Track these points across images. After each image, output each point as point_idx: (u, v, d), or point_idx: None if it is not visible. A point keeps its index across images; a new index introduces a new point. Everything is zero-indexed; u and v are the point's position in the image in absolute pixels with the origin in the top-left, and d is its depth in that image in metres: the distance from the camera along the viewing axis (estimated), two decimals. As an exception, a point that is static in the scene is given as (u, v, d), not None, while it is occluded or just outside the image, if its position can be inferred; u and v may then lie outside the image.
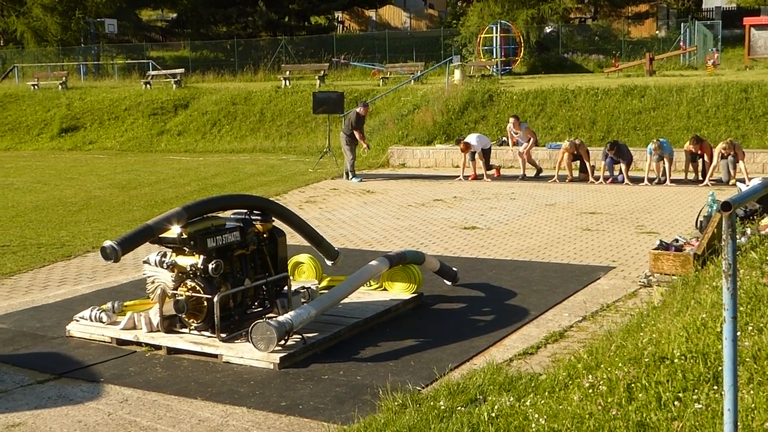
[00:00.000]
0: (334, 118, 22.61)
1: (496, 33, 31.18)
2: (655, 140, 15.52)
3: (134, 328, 6.67)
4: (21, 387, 5.76)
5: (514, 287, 8.16)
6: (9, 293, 8.64)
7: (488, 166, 17.12)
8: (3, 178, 19.70)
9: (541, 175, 16.98)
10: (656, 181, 15.39)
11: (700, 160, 15.58)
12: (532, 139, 17.43)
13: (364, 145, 17.79)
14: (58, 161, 23.92)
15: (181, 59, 42.24)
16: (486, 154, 17.09)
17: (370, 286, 7.87)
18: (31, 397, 5.56)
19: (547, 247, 10.12)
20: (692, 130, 18.65)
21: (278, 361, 5.93)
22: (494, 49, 31.35)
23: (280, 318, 6.22)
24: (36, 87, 33.71)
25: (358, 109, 17.68)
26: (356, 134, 17.22)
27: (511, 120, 17.71)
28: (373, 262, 7.46)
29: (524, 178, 16.75)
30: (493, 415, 4.39)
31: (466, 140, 17.05)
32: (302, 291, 7.16)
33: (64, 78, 34.14)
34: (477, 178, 16.97)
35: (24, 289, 8.79)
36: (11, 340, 6.86)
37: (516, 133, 17.54)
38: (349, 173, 17.29)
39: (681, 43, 33.48)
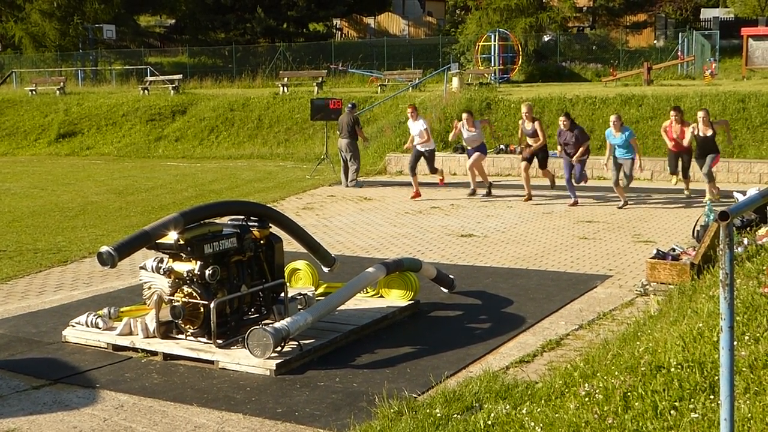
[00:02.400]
0: (331, 125, 22.61)
1: (495, 41, 31.24)
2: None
3: (130, 333, 6.66)
4: (16, 392, 5.75)
5: (511, 295, 8.16)
6: (5, 298, 8.62)
7: (432, 169, 15.98)
8: (0, 183, 19.68)
9: (492, 192, 15.38)
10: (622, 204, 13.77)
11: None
12: (479, 153, 15.15)
13: (366, 142, 18.82)
14: (56, 167, 23.90)
15: (179, 65, 42.26)
16: (430, 156, 15.58)
17: (367, 293, 7.87)
18: (27, 402, 5.54)
19: (544, 256, 10.13)
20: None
21: (274, 368, 5.93)
22: (492, 58, 31.40)
23: (277, 324, 6.21)
24: (34, 92, 33.71)
25: (352, 112, 17.82)
26: (360, 133, 17.76)
27: (464, 116, 15.27)
28: (370, 269, 7.46)
29: (473, 194, 15.21)
30: (489, 422, 4.39)
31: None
32: (299, 298, 7.16)
33: (62, 83, 34.15)
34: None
35: (20, 295, 8.78)
36: (7, 345, 6.85)
37: (470, 131, 15.05)
38: (353, 180, 17.36)
39: (679, 53, 33.55)
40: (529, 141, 14.86)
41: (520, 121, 15.27)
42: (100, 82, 39.25)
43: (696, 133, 13.54)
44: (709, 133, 13.52)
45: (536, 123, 14.74)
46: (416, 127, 15.45)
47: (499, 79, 29.96)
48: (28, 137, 30.27)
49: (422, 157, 15.58)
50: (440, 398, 5.05)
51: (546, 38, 37.21)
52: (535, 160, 14.88)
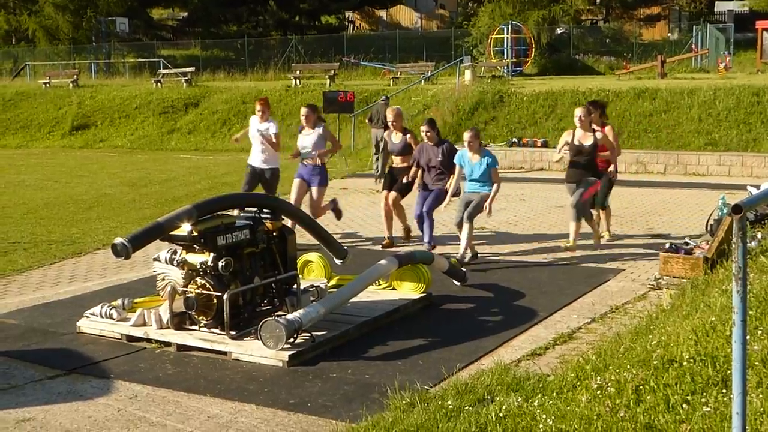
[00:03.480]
0: (344, 118, 22.64)
1: (507, 34, 31.17)
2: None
3: (144, 324, 6.70)
4: (32, 382, 5.80)
5: (523, 288, 8.16)
6: (20, 289, 8.68)
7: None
8: (15, 175, 19.79)
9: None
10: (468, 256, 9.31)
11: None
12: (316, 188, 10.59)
13: None
14: (69, 159, 24.01)
15: (191, 58, 42.33)
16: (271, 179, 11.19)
17: (379, 285, 7.89)
18: (42, 392, 5.59)
19: (557, 249, 10.11)
20: (703, 133, 18.62)
21: (287, 359, 5.95)
22: (505, 50, 31.34)
23: (289, 316, 6.24)
24: (47, 85, 33.84)
25: (386, 104, 18.15)
26: None
27: (303, 111, 11.00)
28: (382, 262, 7.48)
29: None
30: (501, 415, 4.40)
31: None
32: (311, 290, 7.18)
33: (75, 76, 34.26)
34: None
35: (35, 286, 8.84)
36: (22, 336, 6.90)
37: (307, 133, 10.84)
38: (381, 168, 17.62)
39: (693, 46, 33.39)
40: (396, 161, 10.58)
41: (386, 133, 11.02)
42: (113, 74, 39.37)
43: (571, 141, 9.54)
44: (588, 141, 9.48)
45: (408, 136, 10.45)
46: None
47: (511, 71, 29.90)
48: (42, 130, 30.41)
49: (262, 182, 11.15)
50: (452, 390, 5.06)
51: (559, 31, 37.09)
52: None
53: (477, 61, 31.19)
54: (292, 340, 6.12)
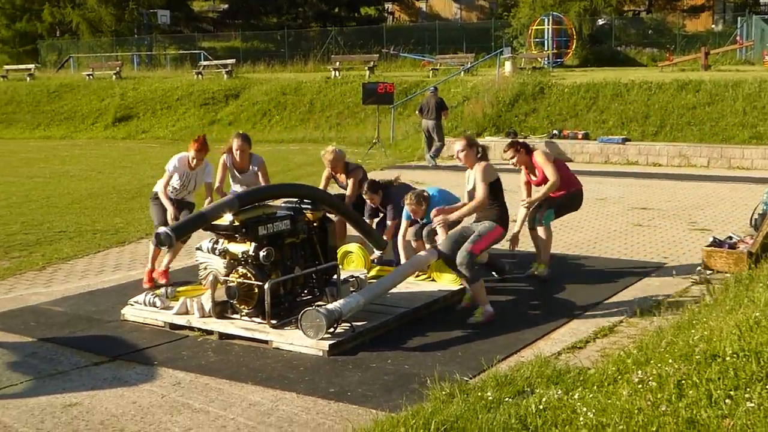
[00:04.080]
0: (383, 109, 22.66)
1: (548, 25, 30.90)
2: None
3: (187, 313, 6.79)
4: (77, 368, 5.91)
5: (563, 281, 8.12)
6: (66, 278, 8.85)
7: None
8: (59, 165, 20.13)
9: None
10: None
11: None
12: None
13: (445, 118, 19.70)
14: (112, 150, 24.35)
15: (232, 50, 42.63)
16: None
17: (419, 276, 7.91)
18: (88, 378, 5.70)
19: (597, 242, 10.05)
20: (748, 126, 18.33)
21: (327, 349, 6.00)
22: (546, 41, 31.08)
23: (330, 306, 6.28)
24: (91, 77, 34.34)
25: (435, 95, 18.95)
26: (445, 114, 18.96)
27: (236, 143, 8.75)
28: (422, 253, 7.49)
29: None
30: (541, 407, 4.40)
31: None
32: (351, 280, 7.22)
33: (118, 68, 34.72)
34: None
35: (80, 274, 9.00)
36: (68, 323, 7.04)
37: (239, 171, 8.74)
38: (435, 156, 18.51)
39: (737, 38, 32.80)
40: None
41: (325, 172, 9.02)
42: (154, 66, 39.84)
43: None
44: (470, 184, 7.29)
45: (350, 179, 8.79)
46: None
47: (552, 63, 29.65)
48: (86, 121, 30.87)
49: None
50: (491, 382, 5.07)
51: (601, 22, 36.69)
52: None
53: (517, 52, 30.98)
54: (332, 329, 6.16)
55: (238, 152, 8.53)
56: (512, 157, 8.10)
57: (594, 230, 10.78)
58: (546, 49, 30.83)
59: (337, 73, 29.49)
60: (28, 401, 5.26)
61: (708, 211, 12.03)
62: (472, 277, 6.81)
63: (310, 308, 6.19)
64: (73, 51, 43.06)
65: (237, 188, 8.17)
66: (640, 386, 4.45)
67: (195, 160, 8.24)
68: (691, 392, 4.26)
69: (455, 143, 7.39)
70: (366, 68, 29.82)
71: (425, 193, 7.98)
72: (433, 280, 7.84)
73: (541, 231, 8.21)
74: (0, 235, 10.94)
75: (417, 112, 19.21)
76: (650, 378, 4.50)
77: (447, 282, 7.73)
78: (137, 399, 5.27)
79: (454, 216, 7.23)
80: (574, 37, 31.54)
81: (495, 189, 7.12)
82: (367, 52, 35.26)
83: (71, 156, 22.63)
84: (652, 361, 4.84)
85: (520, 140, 8.49)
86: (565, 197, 8.24)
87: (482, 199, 7.02)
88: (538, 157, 8.07)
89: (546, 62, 29.36)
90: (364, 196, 8.54)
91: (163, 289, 7.22)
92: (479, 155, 7.21)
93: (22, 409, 5.12)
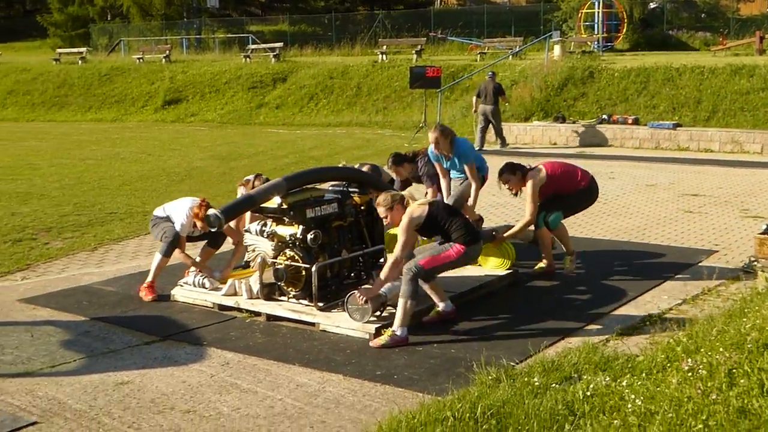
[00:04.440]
0: (430, 93, 22.58)
1: (598, 8, 30.43)
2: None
3: (235, 294, 6.87)
4: (129, 347, 6.02)
5: (612, 267, 8.05)
6: (117, 258, 9.00)
7: None
8: (110, 148, 20.45)
9: None
10: None
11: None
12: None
13: (507, 104, 20.15)
14: (162, 133, 24.65)
15: (279, 33, 42.79)
16: None
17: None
18: (139, 357, 5.81)
19: (647, 228, 9.92)
20: (804, 111, 17.91)
21: (374, 332, 6.02)
22: (596, 25, 30.63)
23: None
24: (141, 60, 34.73)
25: (494, 80, 19.13)
26: (504, 98, 19.22)
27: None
28: None
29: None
30: (588, 393, 4.37)
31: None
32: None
33: (167, 52, 35.05)
34: None
35: (131, 255, 9.15)
36: (119, 302, 7.17)
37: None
38: (504, 143, 18.87)
39: (794, 21, 32.01)
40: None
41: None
42: (203, 50, 40.14)
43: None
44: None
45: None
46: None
47: (602, 47, 29.23)
48: (136, 104, 31.27)
49: None
50: (538, 367, 5.05)
51: (652, 5, 36.01)
52: None
53: (566, 36, 30.60)
54: (378, 313, 6.18)
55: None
56: (506, 182, 7.73)
57: (643, 216, 10.64)
58: (596, 32, 30.39)
59: (384, 56, 29.43)
60: (81, 378, 5.38)
61: (761, 198, 11.79)
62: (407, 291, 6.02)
63: (357, 291, 6.21)
64: (123, 35, 43.59)
65: (253, 226, 7.08)
66: (690, 374, 4.40)
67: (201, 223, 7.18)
68: (742, 381, 4.20)
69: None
70: (413, 52, 29.70)
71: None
72: (479, 265, 7.81)
73: (546, 231, 7.77)
74: (53, 216, 11.16)
75: (475, 96, 19.23)
76: (700, 366, 4.44)
77: (493, 266, 7.70)
78: (187, 378, 5.36)
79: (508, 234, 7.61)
80: (625, 20, 31.04)
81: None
82: (415, 35, 35.12)
83: (122, 138, 22.96)
84: (702, 350, 4.77)
85: (516, 164, 7.83)
86: (574, 197, 7.90)
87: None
88: (528, 188, 7.62)
89: (596, 46, 28.95)
90: (388, 171, 8.67)
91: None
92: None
93: (76, 387, 5.23)
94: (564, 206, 7.85)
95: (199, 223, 7.15)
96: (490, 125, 18.79)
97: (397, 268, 6.11)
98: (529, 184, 7.58)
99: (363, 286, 6.34)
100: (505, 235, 7.67)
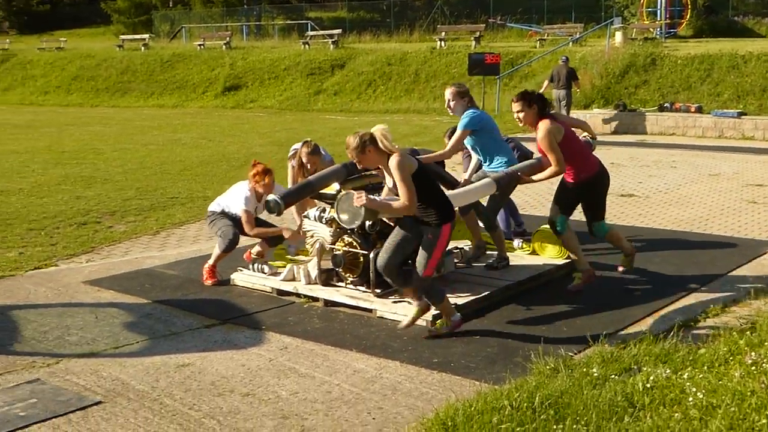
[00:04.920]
0: (489, 80, 22.44)
1: (662, -6, 29.86)
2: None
3: (293, 279, 6.94)
4: (190, 330, 6.13)
5: (673, 258, 7.92)
6: (178, 242, 9.16)
7: None
8: (171, 133, 20.77)
9: None
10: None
11: None
12: None
13: (578, 90, 20.44)
14: (222, 119, 24.95)
15: (338, 20, 42.91)
16: None
17: (523, 249, 7.85)
18: (199, 340, 5.91)
19: (709, 219, 9.74)
20: None
21: (431, 319, 6.03)
22: (659, 11, 30.05)
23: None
24: (202, 47, 35.17)
25: (567, 64, 19.28)
26: (577, 84, 19.54)
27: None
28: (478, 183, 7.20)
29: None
30: (648, 385, 4.32)
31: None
32: (456, 251, 7.22)
33: (227, 38, 35.44)
34: None
35: (192, 239, 9.30)
36: (180, 286, 7.30)
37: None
38: None
39: None
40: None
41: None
42: (263, 36, 40.50)
43: None
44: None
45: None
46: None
47: (665, 33, 28.68)
48: (197, 90, 31.70)
49: None
50: (597, 358, 5.00)
51: (718, -10, 35.17)
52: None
53: (628, 22, 30.08)
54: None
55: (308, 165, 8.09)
56: (519, 111, 6.63)
57: (706, 206, 10.44)
58: (659, 19, 29.81)
59: (442, 43, 29.31)
60: (143, 360, 5.50)
61: (830, 189, 11.48)
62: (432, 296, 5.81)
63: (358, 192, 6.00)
64: (185, 21, 44.18)
65: (312, 211, 7.10)
66: (753, 368, 4.32)
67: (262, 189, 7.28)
68: (808, 376, 4.11)
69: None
70: (472, 38, 29.54)
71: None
72: (537, 253, 7.76)
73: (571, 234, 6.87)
74: (116, 200, 11.41)
75: (548, 81, 19.18)
76: (764, 360, 4.37)
77: (551, 255, 7.65)
78: (246, 362, 5.43)
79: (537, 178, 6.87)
80: (689, 6, 30.38)
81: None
82: (473, 22, 34.89)
83: (183, 124, 23.31)
84: (766, 343, 4.69)
85: (536, 93, 6.83)
86: (576, 192, 6.89)
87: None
88: (543, 135, 6.51)
89: (658, 33, 28.41)
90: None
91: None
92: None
93: (138, 368, 5.35)
94: (566, 208, 6.94)
95: (259, 188, 7.15)
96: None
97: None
98: (544, 129, 6.48)
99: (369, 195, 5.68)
100: (534, 177, 6.94)
